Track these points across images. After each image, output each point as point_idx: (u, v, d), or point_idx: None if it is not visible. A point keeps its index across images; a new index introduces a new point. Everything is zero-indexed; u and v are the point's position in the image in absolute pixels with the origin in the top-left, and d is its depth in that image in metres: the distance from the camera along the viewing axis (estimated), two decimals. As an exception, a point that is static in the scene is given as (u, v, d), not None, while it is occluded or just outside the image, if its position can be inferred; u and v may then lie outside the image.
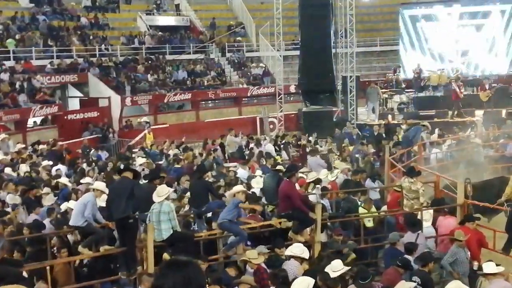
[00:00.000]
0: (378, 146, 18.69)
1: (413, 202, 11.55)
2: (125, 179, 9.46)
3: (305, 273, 8.13)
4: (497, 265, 8.21)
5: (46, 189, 12.70)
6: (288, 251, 9.05)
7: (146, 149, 20.23)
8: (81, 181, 13.83)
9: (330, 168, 15.61)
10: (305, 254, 9.01)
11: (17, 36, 27.62)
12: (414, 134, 18.88)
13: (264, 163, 16.85)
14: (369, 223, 11.63)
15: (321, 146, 20.65)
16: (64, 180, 14.18)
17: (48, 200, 12.04)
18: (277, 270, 8.53)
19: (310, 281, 7.34)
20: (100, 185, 10.12)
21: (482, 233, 9.86)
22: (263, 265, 8.90)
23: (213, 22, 34.35)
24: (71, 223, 9.80)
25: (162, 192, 9.51)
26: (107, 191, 9.84)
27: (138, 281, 9.09)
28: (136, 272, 9.11)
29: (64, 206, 11.52)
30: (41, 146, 20.34)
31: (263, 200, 11.99)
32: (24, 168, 16.08)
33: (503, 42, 30.31)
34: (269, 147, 19.35)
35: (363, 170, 14.81)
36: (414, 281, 7.87)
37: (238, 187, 10.66)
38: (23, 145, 20.53)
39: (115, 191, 9.38)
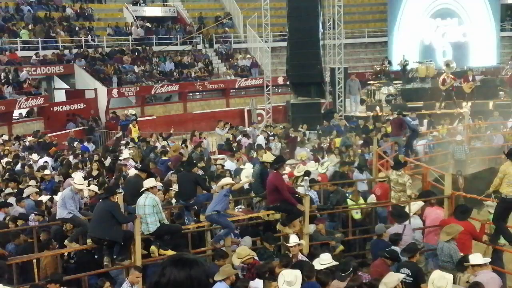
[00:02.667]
0: (366, 137, 18.67)
1: (400, 194, 11.56)
2: (108, 201, 9.11)
3: (293, 266, 8.13)
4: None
5: (31, 182, 12.56)
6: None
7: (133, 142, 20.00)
8: (72, 175, 13.64)
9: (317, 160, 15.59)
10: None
11: (30, 26, 27.52)
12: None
13: (254, 155, 16.78)
14: (357, 215, 11.64)
15: (309, 138, 20.61)
16: (46, 172, 13.99)
17: (27, 191, 11.89)
18: (264, 262, 8.53)
19: (297, 273, 7.36)
20: (78, 181, 9.95)
21: (473, 224, 9.88)
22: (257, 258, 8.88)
23: (201, 16, 34.12)
24: (57, 216, 9.78)
25: (148, 184, 9.44)
26: (84, 186, 9.71)
27: (125, 273, 9.04)
28: (123, 262, 9.02)
29: (45, 199, 11.42)
30: (29, 138, 20.14)
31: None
32: (5, 160, 15.87)
33: (490, 34, 30.49)
34: (260, 139, 19.27)
35: (351, 162, 14.79)
36: (403, 273, 7.87)
37: (226, 180, 10.60)
38: (7, 137, 20.35)
39: (97, 213, 9.08)
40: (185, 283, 3.01)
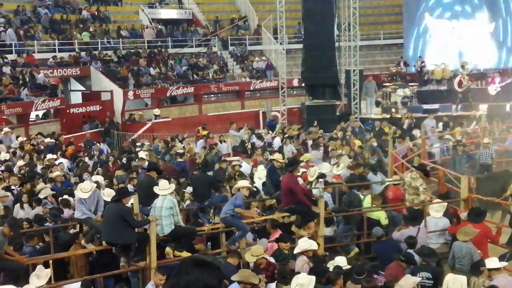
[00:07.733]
0: (380, 139, 18.54)
1: (414, 197, 11.46)
2: (120, 204, 9.03)
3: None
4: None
5: (41, 185, 12.63)
6: (297, 248, 8.97)
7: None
8: (93, 177, 13.66)
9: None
10: (314, 246, 8.98)
11: (91, 28, 28.67)
12: None
13: (268, 157, 16.76)
14: (385, 221, 11.28)
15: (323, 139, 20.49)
16: (57, 174, 14.03)
17: (44, 193, 11.98)
18: (280, 264, 8.52)
19: (312, 278, 7.37)
20: (84, 189, 9.89)
21: (489, 227, 9.78)
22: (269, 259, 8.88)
23: (216, 19, 34.23)
24: (75, 215, 9.89)
25: (164, 186, 9.45)
26: (88, 194, 9.64)
27: (142, 276, 9.09)
28: (138, 263, 9.05)
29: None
30: (46, 140, 20.28)
31: (262, 193, 12.01)
32: (20, 162, 15.98)
33: (507, 34, 30.22)
34: (277, 141, 19.22)
35: (366, 164, 14.70)
36: (421, 277, 7.83)
37: (244, 182, 10.56)
38: (25, 138, 20.53)
39: (109, 216, 8.99)
40: (191, 285, 3.04)
